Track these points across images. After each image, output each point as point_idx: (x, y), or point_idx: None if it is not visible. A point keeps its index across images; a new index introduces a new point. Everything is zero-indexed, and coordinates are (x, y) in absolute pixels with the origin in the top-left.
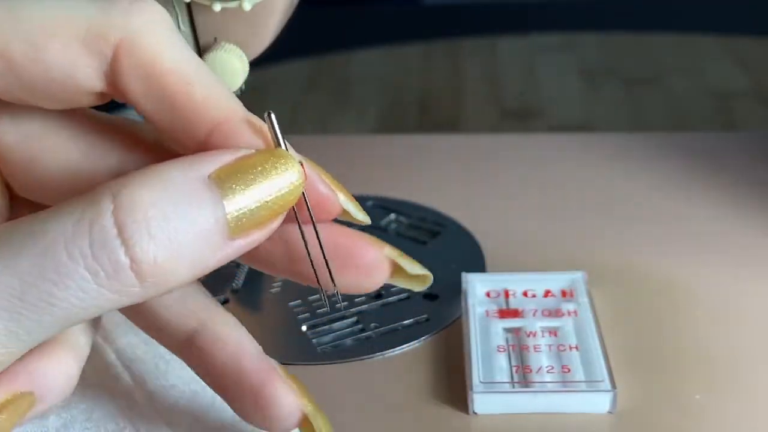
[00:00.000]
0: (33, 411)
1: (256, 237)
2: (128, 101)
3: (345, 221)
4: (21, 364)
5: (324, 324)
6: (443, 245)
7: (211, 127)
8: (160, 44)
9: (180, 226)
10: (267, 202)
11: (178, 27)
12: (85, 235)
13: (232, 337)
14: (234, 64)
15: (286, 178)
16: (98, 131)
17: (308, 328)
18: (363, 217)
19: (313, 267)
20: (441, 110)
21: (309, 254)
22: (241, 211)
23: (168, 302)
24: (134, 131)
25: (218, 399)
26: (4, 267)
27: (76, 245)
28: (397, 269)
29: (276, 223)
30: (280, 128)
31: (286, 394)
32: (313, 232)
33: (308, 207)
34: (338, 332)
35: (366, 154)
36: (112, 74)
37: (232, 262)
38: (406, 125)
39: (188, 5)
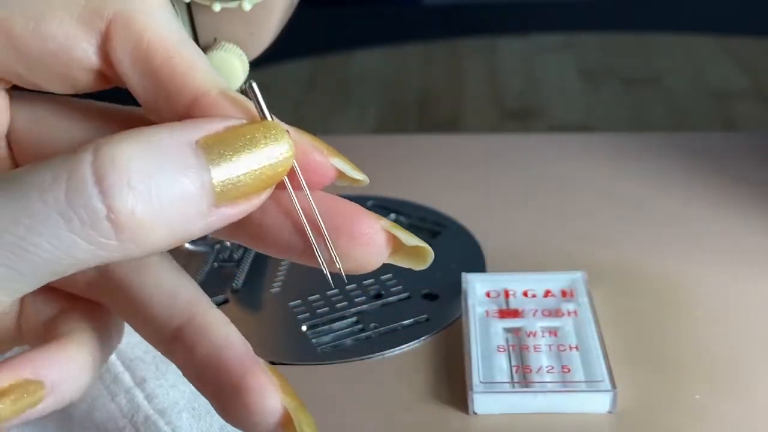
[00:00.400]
0: (43, 405)
1: (244, 207)
2: (118, 76)
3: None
4: (28, 354)
5: (324, 324)
6: (443, 245)
7: (191, 100)
8: (149, 18)
9: (162, 183)
10: (255, 171)
11: None
12: (61, 183)
13: (219, 331)
14: (234, 64)
15: (275, 149)
16: (103, 116)
17: (308, 328)
18: (360, 176)
19: (309, 235)
20: (441, 110)
21: (304, 221)
22: (229, 178)
23: (158, 293)
24: (141, 117)
25: None
26: None
27: (51, 192)
28: (395, 246)
29: (265, 195)
30: (263, 99)
31: (268, 388)
32: (307, 202)
33: (300, 177)
34: (338, 332)
35: (366, 154)
36: (105, 48)
37: (231, 261)
38: (406, 125)
39: (188, 5)
